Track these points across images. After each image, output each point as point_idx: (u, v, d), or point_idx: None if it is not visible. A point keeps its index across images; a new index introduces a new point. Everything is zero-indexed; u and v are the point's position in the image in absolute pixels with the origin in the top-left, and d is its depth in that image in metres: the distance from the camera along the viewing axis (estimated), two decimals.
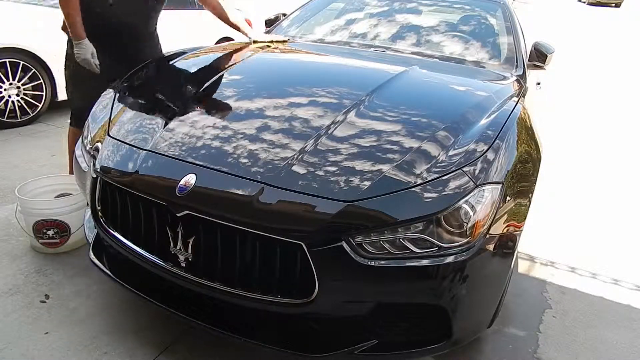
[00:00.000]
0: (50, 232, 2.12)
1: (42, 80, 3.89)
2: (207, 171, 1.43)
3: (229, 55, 2.45)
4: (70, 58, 2.34)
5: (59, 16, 2.28)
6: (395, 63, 2.32)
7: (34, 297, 1.89)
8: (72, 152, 2.44)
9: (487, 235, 1.36)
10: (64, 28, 2.33)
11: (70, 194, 2.22)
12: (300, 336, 1.44)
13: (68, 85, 2.43)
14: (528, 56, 2.65)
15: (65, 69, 2.40)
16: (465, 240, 1.32)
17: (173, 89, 2.08)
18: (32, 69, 3.81)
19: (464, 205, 1.33)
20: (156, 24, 2.53)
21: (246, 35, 2.73)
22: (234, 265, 1.37)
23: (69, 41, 2.33)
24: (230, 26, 2.69)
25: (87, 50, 2.16)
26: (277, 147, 1.51)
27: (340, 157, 1.46)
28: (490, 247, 1.38)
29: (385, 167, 1.40)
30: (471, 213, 1.33)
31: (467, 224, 1.32)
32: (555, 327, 1.98)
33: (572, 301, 2.18)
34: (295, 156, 1.45)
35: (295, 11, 3.29)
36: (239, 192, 1.37)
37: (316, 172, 1.40)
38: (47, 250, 2.17)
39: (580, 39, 13.68)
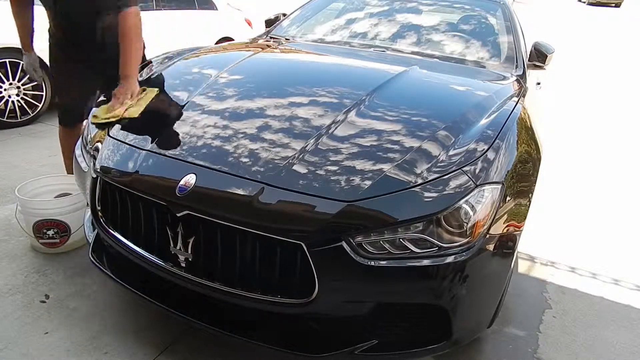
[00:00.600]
0: (50, 232, 2.11)
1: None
2: (207, 171, 1.43)
3: (229, 55, 2.44)
4: (55, 59, 2.37)
5: None
6: (396, 63, 2.32)
7: (34, 297, 1.89)
8: (65, 152, 2.45)
9: (487, 235, 1.36)
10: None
11: (70, 194, 2.22)
12: (300, 336, 1.44)
13: (54, 85, 2.48)
14: (528, 56, 2.65)
15: (50, 69, 2.45)
16: (465, 240, 1.32)
17: (173, 88, 2.08)
18: None
19: (464, 205, 1.33)
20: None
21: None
22: (234, 265, 1.37)
23: (51, 44, 2.35)
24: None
25: (29, 62, 2.37)
26: (278, 146, 1.51)
27: (340, 157, 1.46)
28: (490, 247, 1.38)
29: (385, 167, 1.40)
30: (471, 213, 1.33)
31: (467, 224, 1.32)
32: (555, 327, 1.98)
33: (572, 301, 2.18)
34: (296, 156, 1.45)
35: (295, 11, 3.29)
36: (239, 192, 1.37)
37: (317, 172, 1.40)
38: (47, 250, 2.17)
39: (580, 39, 13.68)
